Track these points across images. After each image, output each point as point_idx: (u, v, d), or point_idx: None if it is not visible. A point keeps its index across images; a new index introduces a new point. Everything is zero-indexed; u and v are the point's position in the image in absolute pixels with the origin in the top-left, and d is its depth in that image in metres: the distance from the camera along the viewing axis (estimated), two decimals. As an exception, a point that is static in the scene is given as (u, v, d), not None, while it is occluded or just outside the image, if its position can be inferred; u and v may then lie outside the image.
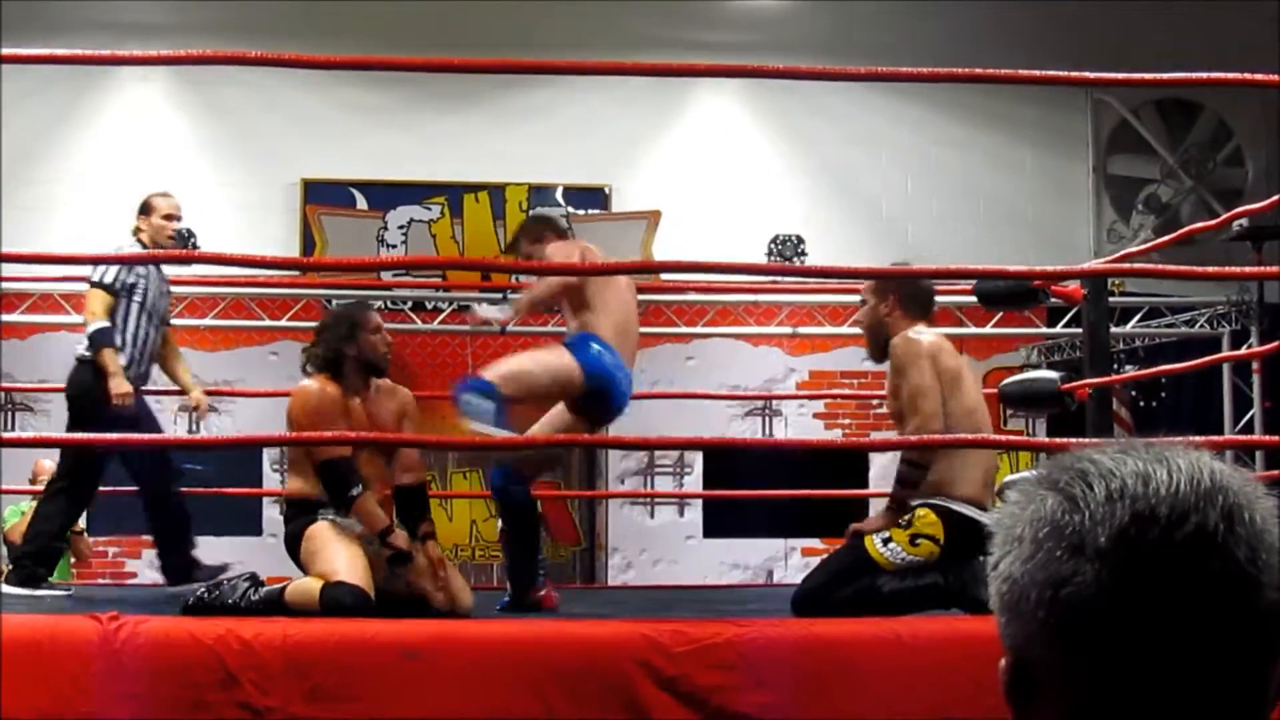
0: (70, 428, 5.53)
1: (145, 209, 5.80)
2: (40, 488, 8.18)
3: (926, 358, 4.26)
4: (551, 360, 4.88)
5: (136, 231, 5.77)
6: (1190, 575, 0.90)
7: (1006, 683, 0.97)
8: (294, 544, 4.36)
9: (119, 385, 5.35)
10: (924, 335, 4.36)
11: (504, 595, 4.97)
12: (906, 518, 4.19)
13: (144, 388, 5.77)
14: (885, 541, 4.15)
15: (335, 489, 4.29)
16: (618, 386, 4.90)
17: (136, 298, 5.59)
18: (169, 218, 5.79)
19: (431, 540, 4.49)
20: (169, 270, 6.08)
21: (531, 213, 5.23)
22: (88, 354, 5.50)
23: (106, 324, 5.48)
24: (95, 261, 5.60)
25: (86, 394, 5.41)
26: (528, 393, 4.86)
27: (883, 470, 5.62)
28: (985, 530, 4.11)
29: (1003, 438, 9.93)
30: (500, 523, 5.13)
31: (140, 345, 5.61)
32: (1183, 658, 0.90)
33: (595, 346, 4.85)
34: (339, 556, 4.20)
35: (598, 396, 4.88)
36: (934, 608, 4.09)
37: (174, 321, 9.60)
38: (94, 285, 5.55)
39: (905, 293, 4.43)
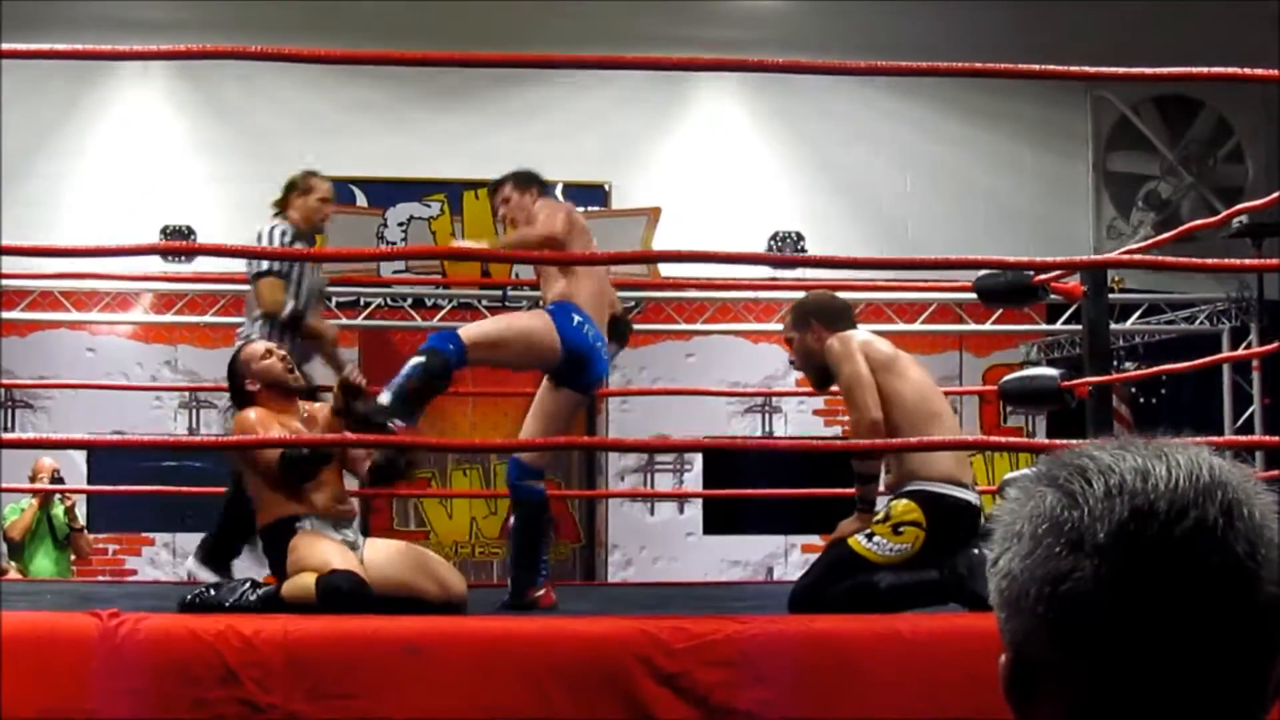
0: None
1: (302, 187, 5.48)
2: (40, 485, 8.20)
3: (857, 351, 4.30)
4: (531, 326, 4.80)
5: (282, 208, 5.47)
6: (1189, 570, 0.90)
7: (1006, 679, 0.97)
8: (280, 564, 4.34)
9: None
10: (852, 334, 4.41)
11: (506, 593, 4.95)
12: (882, 513, 4.20)
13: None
14: (869, 537, 4.15)
15: (291, 469, 4.22)
16: (597, 355, 4.85)
17: (298, 276, 5.40)
18: (325, 201, 5.52)
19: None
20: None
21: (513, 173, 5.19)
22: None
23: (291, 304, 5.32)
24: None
25: None
26: (498, 355, 4.79)
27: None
28: (968, 506, 4.16)
29: (994, 439, 9.94)
30: (512, 518, 5.09)
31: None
32: (1182, 653, 0.90)
33: (576, 317, 4.78)
34: (328, 551, 4.20)
35: (577, 366, 4.81)
36: (932, 602, 4.09)
37: (173, 319, 9.71)
38: (265, 275, 5.32)
39: (824, 316, 4.50)
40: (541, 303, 4.98)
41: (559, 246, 4.78)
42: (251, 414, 4.42)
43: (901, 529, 4.12)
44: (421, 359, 4.52)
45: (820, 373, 4.50)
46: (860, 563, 4.12)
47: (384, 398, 4.41)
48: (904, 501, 4.17)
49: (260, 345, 4.63)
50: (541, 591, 4.82)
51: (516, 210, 5.05)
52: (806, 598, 4.10)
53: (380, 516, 9.98)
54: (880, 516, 4.20)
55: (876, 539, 4.13)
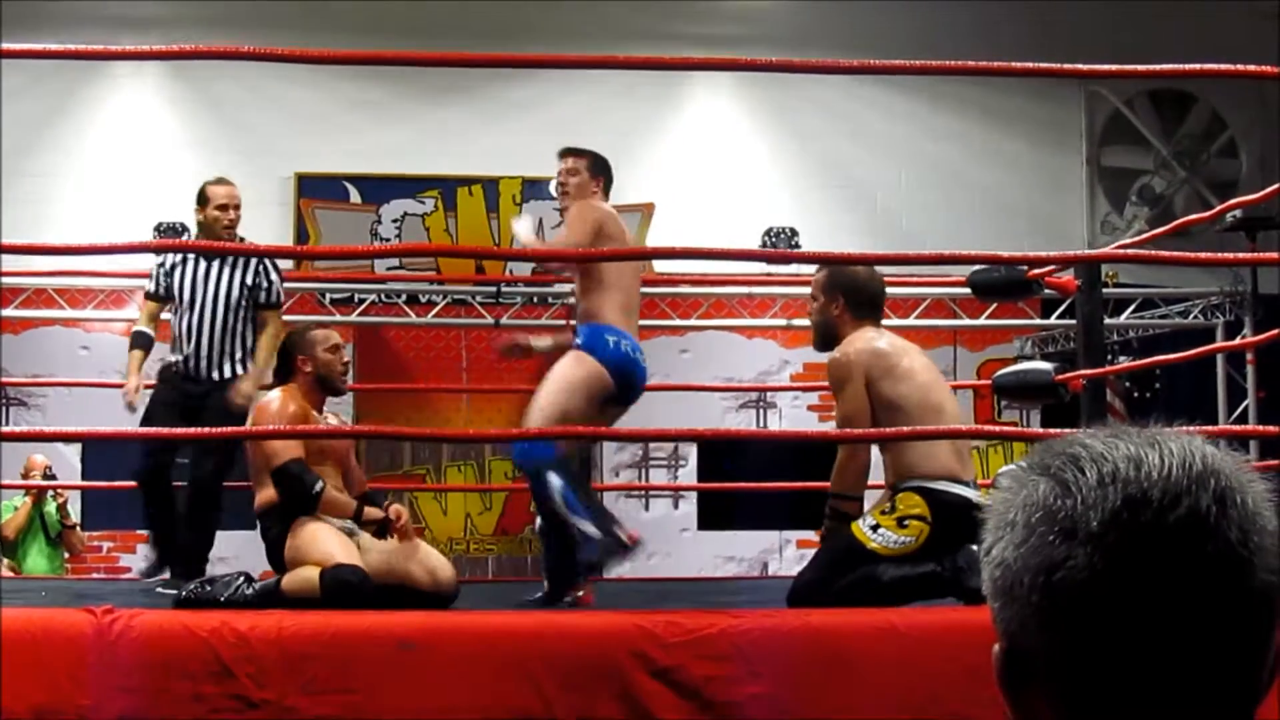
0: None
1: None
2: (32, 483, 8.18)
3: (861, 375, 4.26)
4: (579, 375, 4.73)
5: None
6: (1182, 558, 0.90)
7: (1000, 668, 0.97)
8: (277, 548, 4.33)
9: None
10: (860, 345, 4.33)
11: (538, 590, 4.83)
12: (887, 504, 4.20)
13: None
14: (874, 529, 4.13)
15: (296, 490, 4.29)
16: (639, 367, 4.84)
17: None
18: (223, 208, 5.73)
19: (394, 505, 4.54)
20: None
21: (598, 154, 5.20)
22: None
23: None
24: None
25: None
26: (573, 418, 4.68)
27: (876, 461, 5.68)
28: (969, 503, 4.14)
29: (986, 429, 9.95)
30: (539, 519, 5.01)
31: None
32: (1175, 641, 0.90)
33: (610, 339, 4.75)
34: (330, 542, 4.21)
35: (625, 386, 4.81)
36: (931, 596, 4.08)
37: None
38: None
39: (853, 296, 4.42)
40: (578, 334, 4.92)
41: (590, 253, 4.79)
42: (274, 403, 4.40)
43: (906, 522, 4.10)
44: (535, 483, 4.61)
45: (825, 343, 4.47)
46: (864, 554, 4.10)
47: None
48: (908, 494, 4.16)
49: (335, 335, 4.66)
50: (581, 592, 4.71)
51: (576, 189, 5.00)
52: (809, 592, 4.07)
53: (375, 513, 9.96)
54: (885, 508, 4.18)
55: (882, 531, 4.11)
